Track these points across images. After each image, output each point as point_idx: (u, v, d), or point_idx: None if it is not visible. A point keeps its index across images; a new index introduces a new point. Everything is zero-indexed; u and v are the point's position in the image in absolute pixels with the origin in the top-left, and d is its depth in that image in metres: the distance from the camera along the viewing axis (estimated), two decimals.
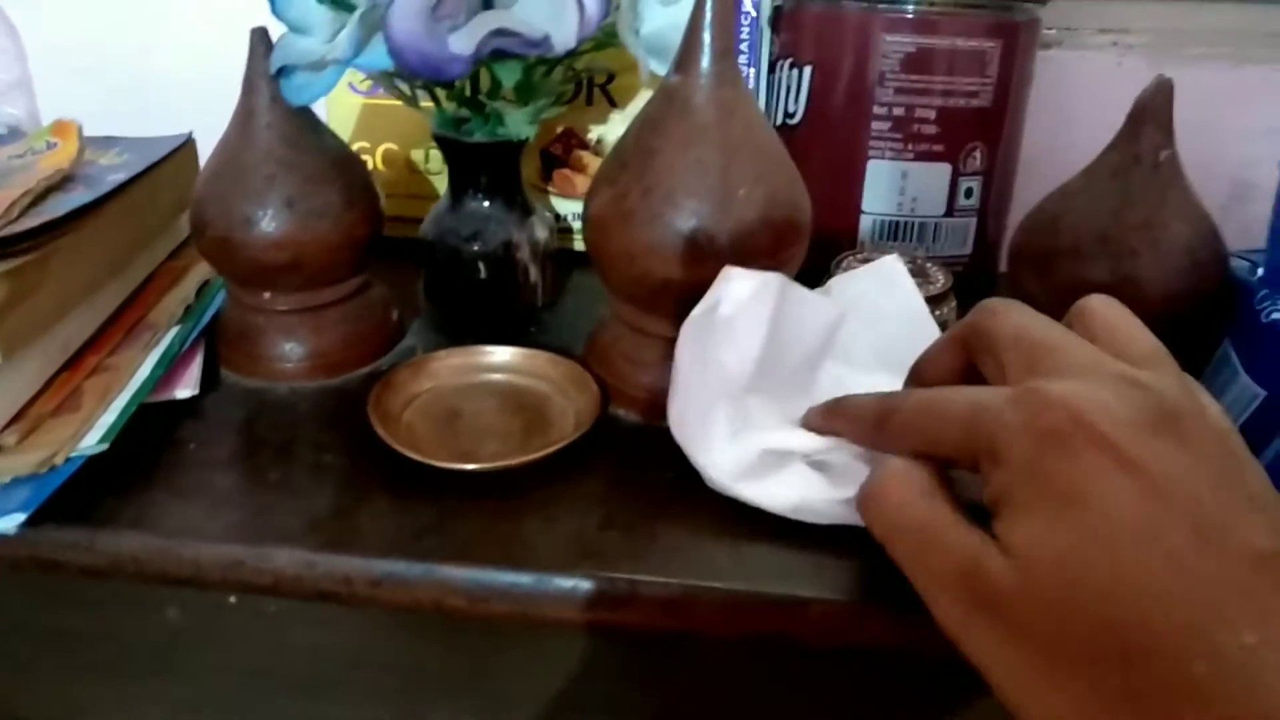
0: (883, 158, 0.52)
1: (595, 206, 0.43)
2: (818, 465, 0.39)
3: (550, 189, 0.60)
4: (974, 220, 0.54)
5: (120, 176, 0.48)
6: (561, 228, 0.60)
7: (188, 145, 0.55)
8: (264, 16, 0.44)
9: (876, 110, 0.52)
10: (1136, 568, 0.23)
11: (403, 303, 0.53)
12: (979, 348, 0.32)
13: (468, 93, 0.47)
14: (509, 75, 0.43)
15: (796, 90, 0.54)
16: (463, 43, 0.40)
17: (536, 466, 0.40)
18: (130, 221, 0.49)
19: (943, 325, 0.49)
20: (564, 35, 0.40)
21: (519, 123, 0.44)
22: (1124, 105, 0.48)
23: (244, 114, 0.45)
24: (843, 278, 0.46)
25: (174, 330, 0.48)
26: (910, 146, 0.52)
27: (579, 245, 0.61)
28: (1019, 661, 0.25)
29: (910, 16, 0.50)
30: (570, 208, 0.60)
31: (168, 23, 0.75)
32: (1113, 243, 0.41)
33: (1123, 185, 0.41)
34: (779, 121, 0.56)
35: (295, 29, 0.43)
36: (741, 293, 0.41)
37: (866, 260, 0.50)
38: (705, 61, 0.40)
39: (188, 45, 0.74)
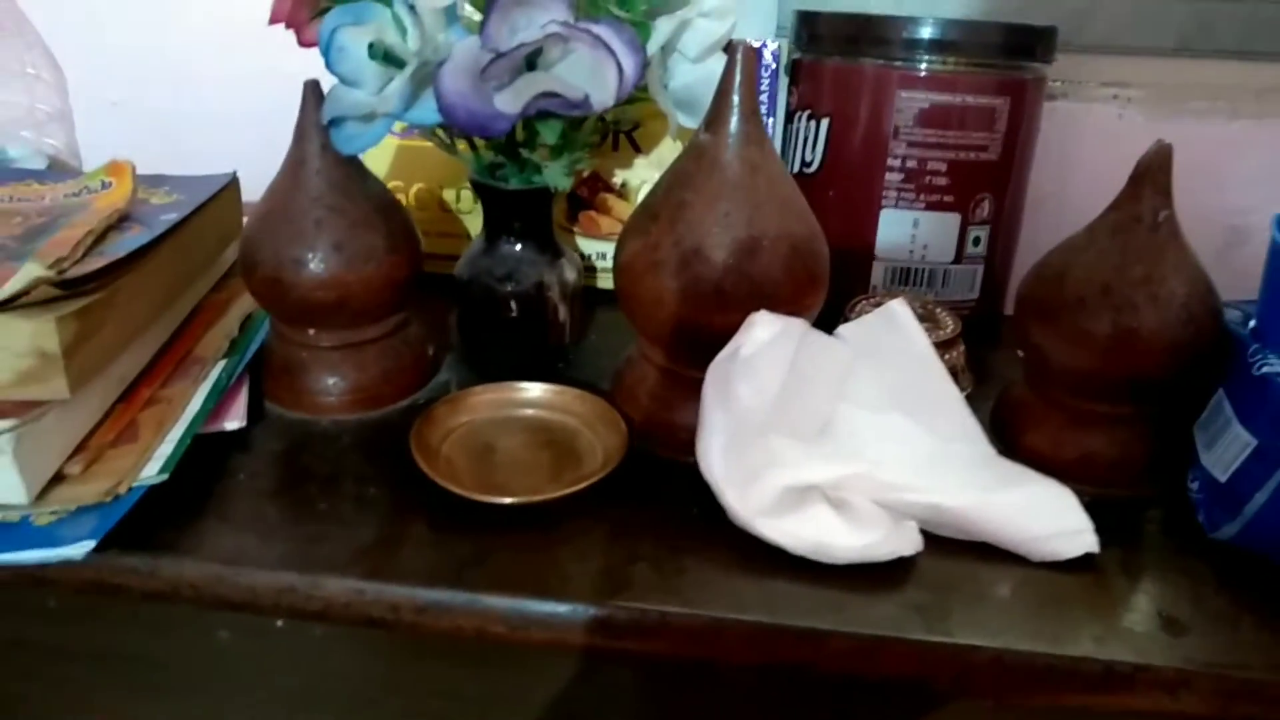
0: (895, 206, 0.55)
1: (627, 255, 0.46)
2: (838, 504, 0.42)
3: (576, 229, 0.63)
4: (981, 267, 0.57)
5: (173, 216, 0.51)
6: (586, 266, 0.63)
7: (232, 184, 0.57)
8: (292, 56, 0.46)
9: (890, 162, 0.55)
10: None
11: (436, 337, 0.55)
12: None
13: (505, 142, 0.50)
14: (550, 133, 0.45)
15: (814, 141, 0.57)
16: (508, 102, 0.42)
17: (568, 501, 0.43)
18: (180, 259, 0.52)
19: (951, 369, 0.52)
20: (603, 95, 0.43)
21: (555, 174, 0.47)
22: (1124, 154, 0.51)
23: (295, 161, 0.47)
24: (854, 324, 0.49)
25: (221, 363, 0.50)
26: (922, 196, 0.55)
27: (603, 283, 0.64)
28: None
29: (924, 74, 0.53)
30: (595, 248, 0.63)
31: (203, 60, 0.78)
32: (1115, 296, 0.44)
33: (1124, 242, 0.44)
34: (796, 169, 0.59)
35: (346, 82, 0.46)
36: (763, 336, 0.44)
37: (878, 304, 0.53)
38: (734, 121, 0.43)
39: (222, 82, 0.77)
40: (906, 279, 0.57)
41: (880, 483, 0.42)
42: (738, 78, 0.42)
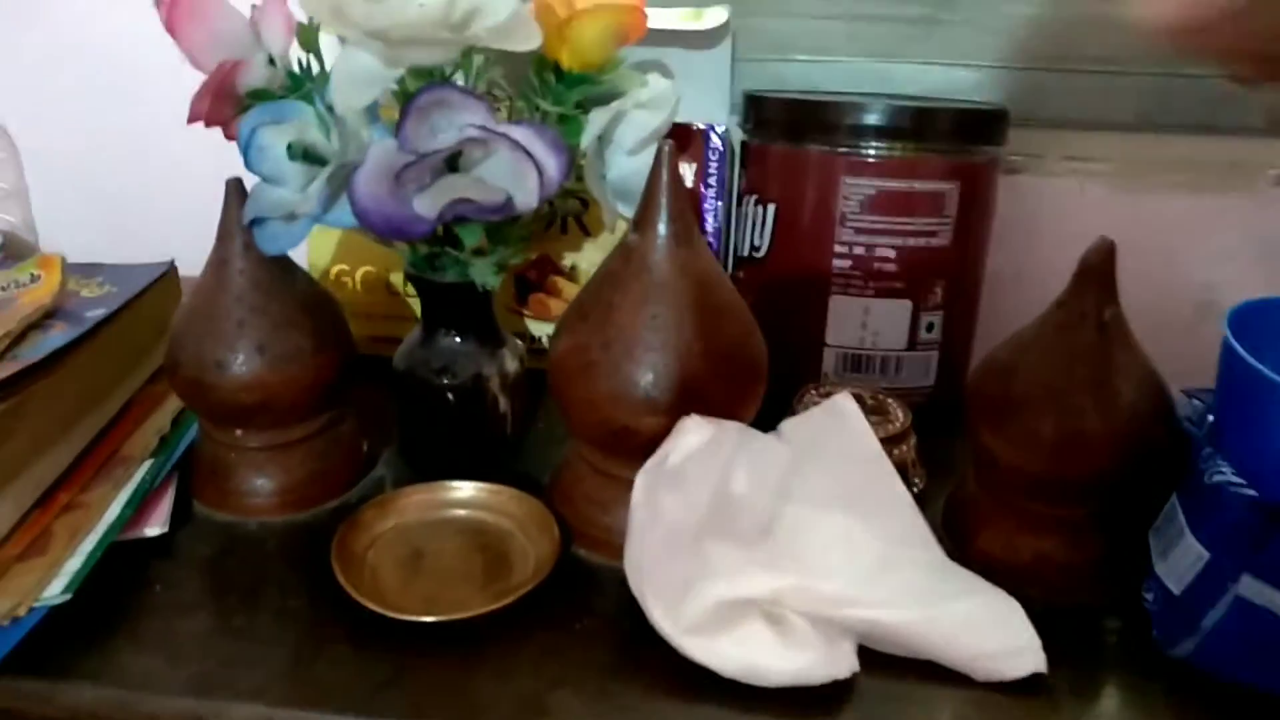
0: (845, 293, 0.54)
1: (557, 354, 0.45)
2: (774, 619, 0.40)
3: (526, 312, 0.61)
4: (936, 353, 0.55)
5: (100, 313, 0.50)
6: (536, 348, 0.61)
7: (170, 273, 0.56)
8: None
9: (838, 249, 0.53)
10: None
11: (377, 426, 0.54)
12: None
13: (439, 233, 0.48)
14: (470, 236, 0.44)
15: (761, 226, 0.56)
16: (427, 205, 0.41)
17: (495, 615, 0.41)
18: (110, 356, 0.50)
19: (901, 464, 0.50)
20: (525, 197, 0.42)
21: (484, 273, 0.46)
22: (1087, 229, 0.49)
23: (218, 261, 0.46)
24: (798, 419, 0.47)
25: (147, 464, 0.49)
26: (871, 284, 0.53)
27: None
28: None
29: (870, 160, 0.52)
30: (545, 329, 0.61)
31: (159, 135, 0.77)
32: (1061, 398, 0.42)
33: (1070, 341, 0.42)
34: (745, 253, 0.58)
35: (268, 181, 0.45)
36: (692, 443, 0.42)
37: (827, 395, 0.51)
38: (662, 224, 0.42)
39: (176, 156, 0.76)
40: (858, 366, 0.55)
41: (819, 596, 0.40)
42: (664, 179, 0.41)
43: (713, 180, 0.58)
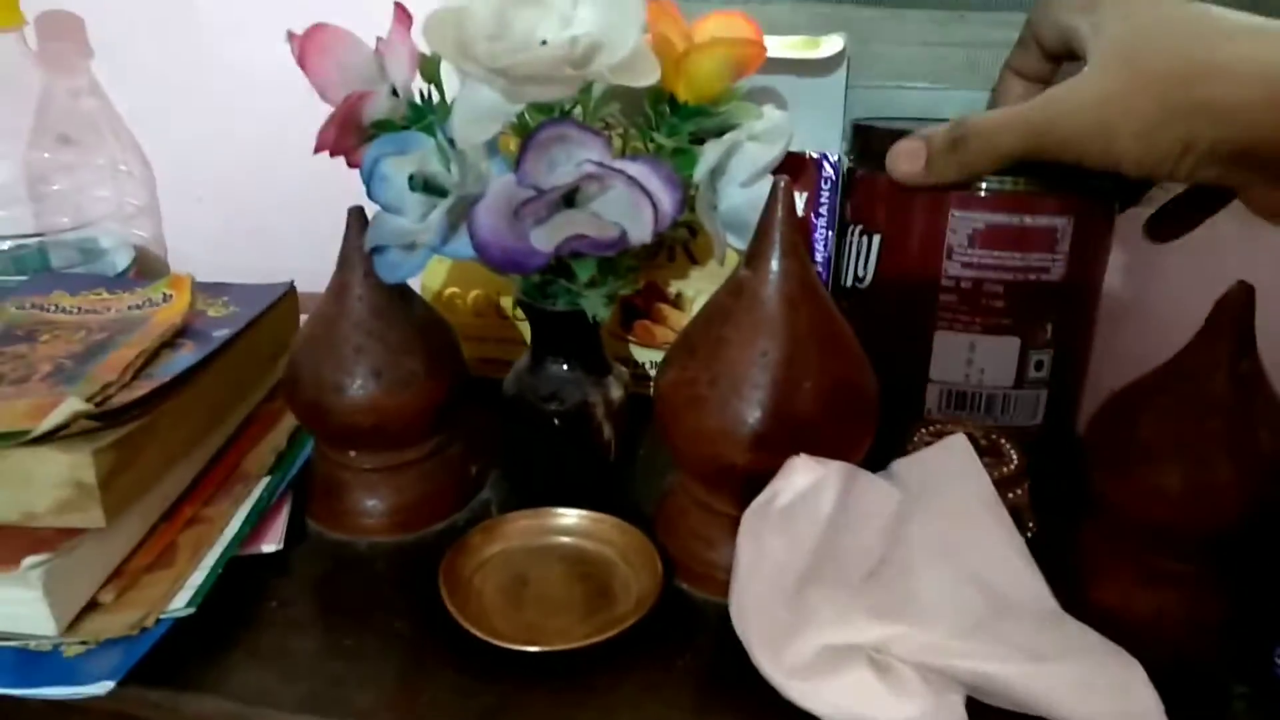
0: (950, 329, 0.52)
1: (665, 386, 0.45)
2: (880, 666, 0.39)
3: (630, 338, 0.62)
4: (1044, 391, 0.53)
5: (225, 332, 0.52)
6: (640, 374, 0.62)
7: (289, 294, 0.58)
8: None
9: (944, 282, 0.52)
10: None
11: (485, 448, 0.55)
12: None
13: (552, 263, 0.49)
14: (584, 270, 0.45)
15: (865, 256, 0.55)
16: (544, 239, 0.41)
17: (597, 648, 0.41)
18: (231, 375, 0.52)
19: (1014, 509, 0.48)
20: (640, 232, 0.42)
21: (594, 304, 0.46)
22: (1214, 264, 0.47)
23: (338, 286, 0.48)
24: (909, 460, 0.46)
25: (265, 481, 0.50)
26: (978, 319, 0.52)
27: None
28: None
29: (981, 194, 0.50)
30: (650, 356, 0.62)
31: (288, 158, 0.80)
32: (1191, 449, 0.40)
33: (1199, 391, 0.41)
34: (849, 284, 0.57)
35: (389, 210, 0.46)
36: (801, 484, 0.42)
37: (939, 434, 0.50)
38: (774, 259, 0.41)
39: (305, 180, 0.79)
40: (963, 404, 0.53)
41: (927, 644, 0.39)
42: (779, 214, 0.41)
43: (824, 210, 0.58)
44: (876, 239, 0.54)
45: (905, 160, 0.43)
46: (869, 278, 0.55)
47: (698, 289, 0.60)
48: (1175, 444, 0.41)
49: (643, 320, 0.61)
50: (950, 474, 0.46)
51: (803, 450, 0.42)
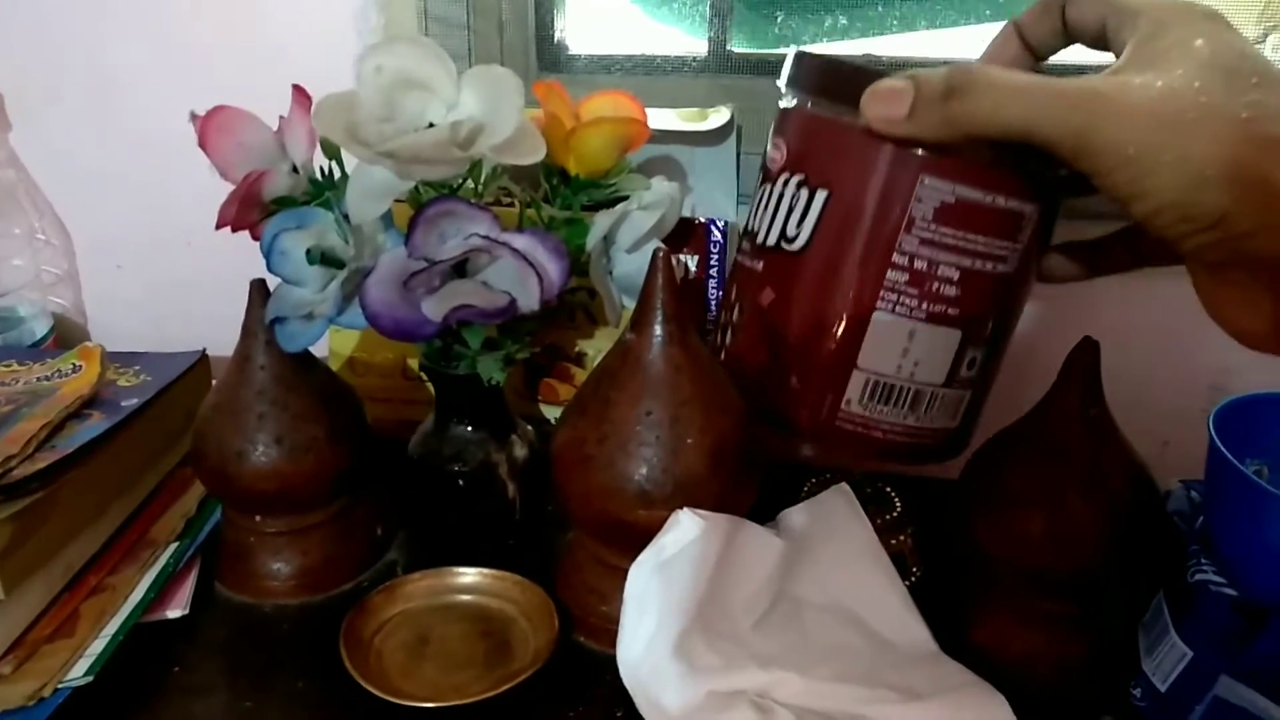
0: (892, 312, 0.45)
1: (558, 444, 0.47)
2: (764, 710, 0.41)
3: (538, 398, 0.64)
4: (968, 393, 0.47)
5: (134, 402, 0.53)
6: (547, 431, 0.63)
7: (201, 363, 0.59)
8: None
9: (895, 259, 0.44)
10: None
11: (391, 509, 0.56)
12: None
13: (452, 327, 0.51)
14: (474, 337, 0.47)
15: (801, 214, 0.46)
16: (433, 309, 0.43)
17: (492, 702, 0.42)
18: (142, 442, 0.53)
19: (898, 553, 0.51)
20: (528, 301, 0.44)
21: (489, 368, 0.48)
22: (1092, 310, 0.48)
23: (241, 356, 0.49)
24: (795, 510, 0.48)
25: (172, 547, 0.51)
26: (924, 305, 0.45)
27: None
28: None
29: (956, 160, 0.42)
30: (555, 413, 0.64)
31: (201, 230, 0.81)
32: (1049, 494, 0.43)
33: (1055, 437, 0.44)
34: (770, 241, 0.47)
35: (289, 282, 0.48)
36: (685, 536, 0.44)
37: (826, 484, 0.53)
38: (657, 324, 0.44)
39: (217, 251, 0.80)
40: (888, 398, 0.46)
41: (808, 689, 0.41)
42: (659, 282, 0.43)
43: (714, 271, 0.60)
44: (820, 196, 0.45)
45: (884, 103, 0.37)
46: (802, 240, 0.46)
47: (599, 349, 0.62)
48: (1035, 490, 0.44)
49: (547, 379, 0.63)
50: (835, 522, 0.48)
51: (689, 504, 0.44)
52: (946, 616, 0.49)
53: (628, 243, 0.51)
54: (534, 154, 0.44)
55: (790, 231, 0.47)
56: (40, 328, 0.76)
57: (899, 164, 0.43)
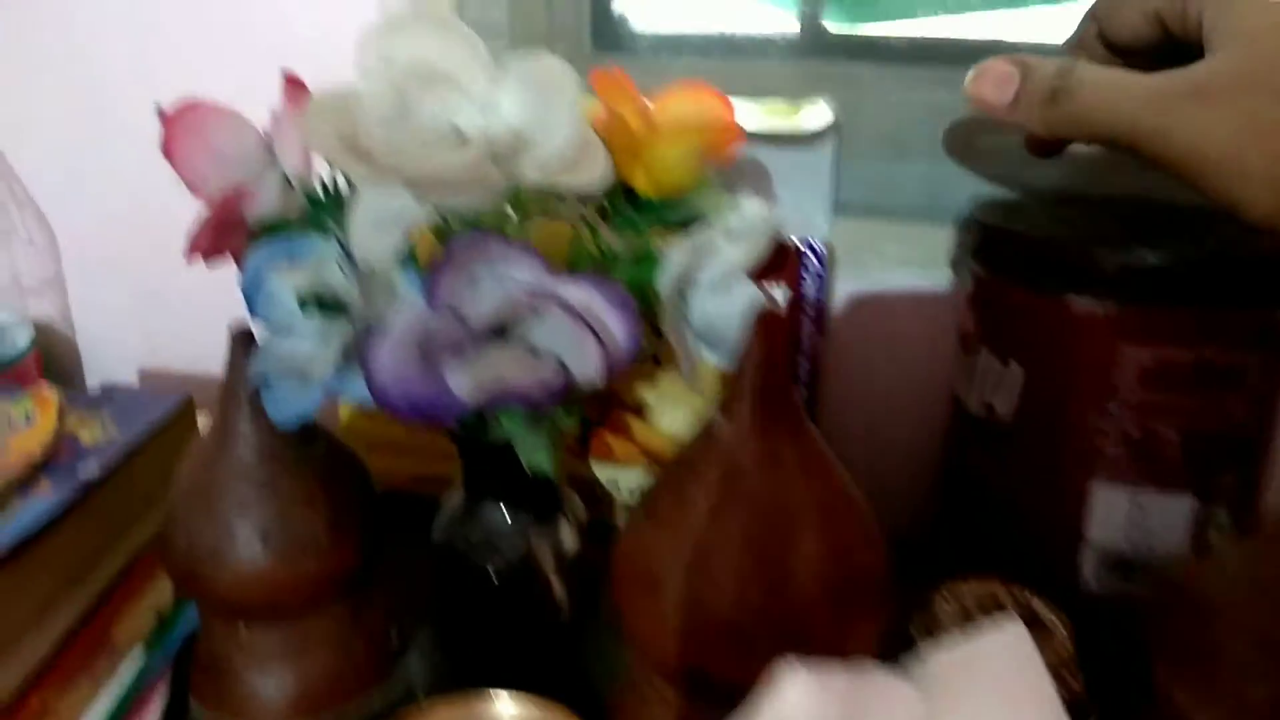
0: (1110, 482, 0.43)
1: (620, 559, 0.36)
2: None
3: (589, 455, 0.53)
4: None
5: (94, 468, 0.43)
6: (598, 496, 0.53)
7: (185, 411, 0.49)
8: None
9: (1103, 426, 0.43)
10: None
11: (410, 601, 0.45)
12: None
13: None
14: (513, 424, 0.36)
15: (999, 386, 0.45)
16: (463, 384, 0.32)
17: None
18: (102, 518, 0.43)
19: (1069, 703, 0.40)
20: (584, 369, 0.33)
21: (530, 450, 0.37)
22: None
23: (219, 425, 0.39)
24: (946, 653, 0.37)
25: (139, 656, 0.41)
26: (1146, 471, 0.43)
27: (622, 517, 0.53)
28: None
29: (1151, 320, 0.41)
30: (610, 474, 0.53)
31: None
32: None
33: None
34: (978, 412, 0.47)
35: (279, 332, 0.37)
36: (792, 702, 0.33)
37: (967, 595, 0.42)
38: (756, 409, 0.32)
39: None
40: (1127, 573, 0.44)
41: None
42: (758, 353, 0.32)
43: (809, 309, 0.49)
44: (1014, 369, 0.45)
45: (991, 85, 0.36)
46: (1008, 413, 0.45)
47: (664, 399, 0.51)
48: (1262, 653, 0.32)
49: (599, 431, 0.52)
50: (996, 663, 0.37)
51: (793, 648, 0.33)
52: None
53: (709, 281, 0.39)
54: (596, 174, 0.33)
55: (996, 405, 0.46)
56: (21, 339, 0.66)
57: (1088, 332, 0.42)
